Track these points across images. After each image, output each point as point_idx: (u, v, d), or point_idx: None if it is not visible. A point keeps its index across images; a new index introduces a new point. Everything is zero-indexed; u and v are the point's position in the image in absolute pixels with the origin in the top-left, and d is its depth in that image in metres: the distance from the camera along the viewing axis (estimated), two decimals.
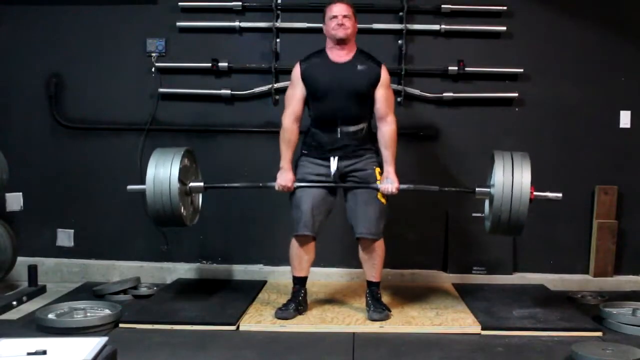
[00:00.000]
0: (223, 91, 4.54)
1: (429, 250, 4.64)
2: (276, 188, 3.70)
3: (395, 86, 4.48)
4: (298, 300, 3.76)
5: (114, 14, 4.56)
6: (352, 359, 3.15)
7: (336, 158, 3.70)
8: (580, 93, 4.56)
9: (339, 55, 3.68)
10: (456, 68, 4.49)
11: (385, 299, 3.88)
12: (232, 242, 4.65)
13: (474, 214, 4.48)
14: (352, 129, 3.69)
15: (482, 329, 3.56)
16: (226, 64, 4.52)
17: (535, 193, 3.49)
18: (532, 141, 4.58)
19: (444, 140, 4.58)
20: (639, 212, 4.61)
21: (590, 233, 4.60)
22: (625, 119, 4.56)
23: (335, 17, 3.62)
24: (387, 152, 3.68)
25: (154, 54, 4.56)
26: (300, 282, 3.82)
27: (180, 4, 4.53)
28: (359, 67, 3.67)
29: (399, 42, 4.49)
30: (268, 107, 4.55)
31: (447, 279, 4.53)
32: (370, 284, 3.81)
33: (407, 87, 4.50)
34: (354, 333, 3.50)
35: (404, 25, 4.46)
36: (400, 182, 3.69)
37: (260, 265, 4.64)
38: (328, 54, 3.71)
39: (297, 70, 3.73)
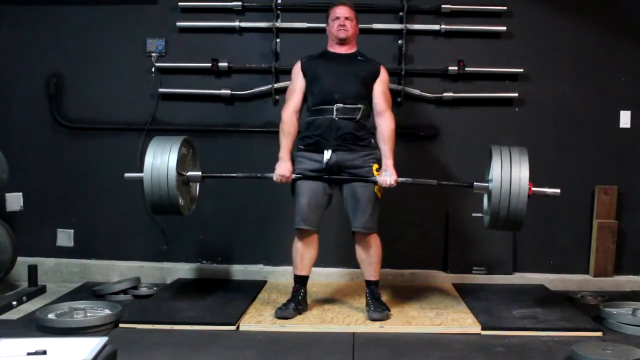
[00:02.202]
0: (223, 91, 4.54)
1: (429, 250, 4.64)
2: (274, 179, 3.70)
3: (395, 86, 4.48)
4: (297, 299, 3.76)
5: (114, 14, 4.57)
6: (352, 359, 3.15)
7: (330, 151, 3.69)
8: (580, 93, 4.56)
9: (340, 49, 3.86)
10: (456, 68, 4.49)
11: (385, 298, 3.88)
12: (232, 242, 4.64)
13: (474, 214, 4.48)
14: (349, 106, 3.70)
15: (482, 329, 3.56)
16: (226, 64, 4.52)
17: (533, 189, 3.48)
18: (532, 141, 4.56)
19: (444, 140, 4.58)
20: (639, 212, 4.61)
21: (590, 233, 4.60)
22: (625, 119, 4.56)
23: (337, 18, 3.81)
24: (386, 146, 3.71)
25: (154, 54, 4.56)
26: (300, 282, 3.82)
27: (180, 4, 4.53)
28: (360, 57, 3.85)
29: (399, 42, 4.49)
30: (268, 107, 4.55)
31: (447, 279, 4.53)
32: (369, 282, 3.82)
33: (407, 87, 4.50)
34: (354, 333, 3.50)
35: (404, 25, 4.46)
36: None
37: (260, 265, 4.64)
38: (329, 48, 3.90)
39: (297, 66, 3.87)
